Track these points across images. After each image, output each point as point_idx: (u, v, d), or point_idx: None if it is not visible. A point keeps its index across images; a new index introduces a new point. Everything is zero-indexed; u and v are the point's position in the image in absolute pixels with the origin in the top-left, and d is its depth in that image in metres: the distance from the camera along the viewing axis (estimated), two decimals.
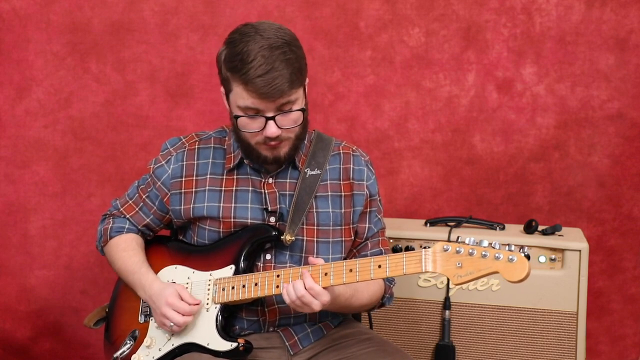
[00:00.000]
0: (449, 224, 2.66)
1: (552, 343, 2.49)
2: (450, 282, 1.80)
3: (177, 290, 1.99)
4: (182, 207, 2.09)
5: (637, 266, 2.96)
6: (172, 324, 1.96)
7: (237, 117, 1.94)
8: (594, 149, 2.91)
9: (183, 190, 2.09)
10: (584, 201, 2.94)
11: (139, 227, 2.19)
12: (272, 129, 1.92)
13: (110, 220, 2.20)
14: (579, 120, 2.91)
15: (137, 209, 2.18)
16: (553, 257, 2.50)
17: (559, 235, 2.56)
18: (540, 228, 2.59)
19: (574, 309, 2.48)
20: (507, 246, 1.74)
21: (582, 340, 2.49)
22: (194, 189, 2.08)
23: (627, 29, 2.85)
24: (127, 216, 2.19)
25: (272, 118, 1.91)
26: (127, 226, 2.18)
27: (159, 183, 2.13)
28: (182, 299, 1.98)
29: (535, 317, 2.50)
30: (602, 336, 2.99)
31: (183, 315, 1.96)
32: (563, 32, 2.88)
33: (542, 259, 2.51)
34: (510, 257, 1.72)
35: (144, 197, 2.17)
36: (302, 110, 1.97)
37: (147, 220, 2.18)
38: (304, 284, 1.84)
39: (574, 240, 2.52)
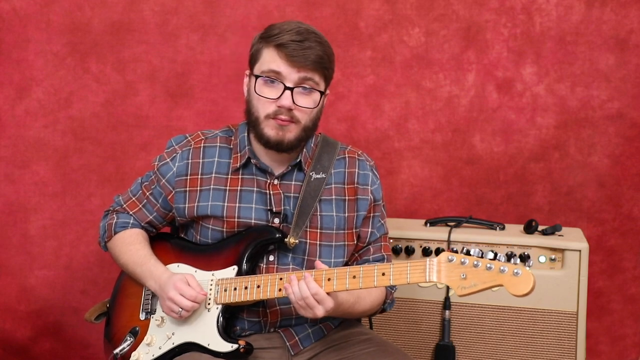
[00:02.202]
0: (449, 224, 2.66)
1: (552, 343, 2.50)
2: (455, 294, 1.80)
3: (185, 277, 2.00)
4: (187, 205, 2.09)
5: (637, 266, 2.96)
6: (180, 309, 1.96)
7: (257, 76, 1.97)
8: (594, 149, 2.91)
9: (188, 189, 2.09)
10: (584, 201, 2.94)
11: (142, 224, 2.19)
12: (287, 99, 1.94)
13: (114, 215, 2.20)
14: (579, 120, 2.91)
15: (140, 206, 2.18)
16: (553, 257, 2.50)
17: (559, 235, 2.57)
18: (540, 228, 2.59)
19: (574, 309, 2.48)
20: (512, 259, 1.75)
21: (582, 340, 2.49)
22: (198, 188, 2.08)
23: (627, 29, 2.85)
24: (131, 212, 2.19)
25: (291, 89, 1.94)
26: (131, 221, 2.18)
27: (163, 180, 2.12)
28: (189, 285, 1.98)
29: (535, 317, 2.50)
30: (602, 336, 2.99)
31: (189, 300, 1.95)
32: (563, 32, 2.88)
33: (542, 259, 2.51)
34: (516, 270, 1.71)
35: (147, 194, 2.17)
36: (322, 92, 2.00)
37: (151, 217, 2.18)
38: (308, 289, 1.84)
39: (574, 240, 2.53)
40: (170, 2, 2.94)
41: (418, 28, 2.93)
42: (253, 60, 2.02)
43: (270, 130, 1.99)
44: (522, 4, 2.88)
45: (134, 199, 2.20)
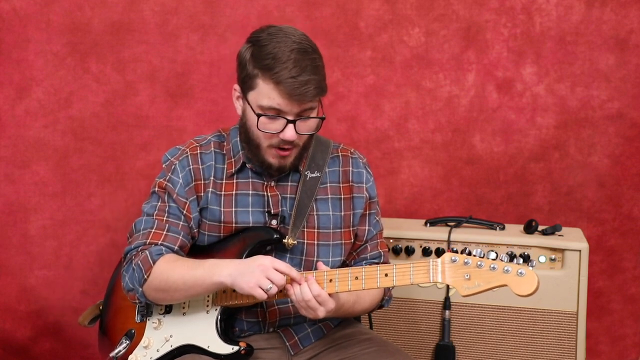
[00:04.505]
0: (449, 224, 2.66)
1: (552, 343, 2.50)
2: (459, 294, 1.80)
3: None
4: (200, 211, 2.06)
5: (637, 266, 2.96)
6: (270, 286, 1.82)
7: (259, 115, 1.92)
8: (594, 149, 2.91)
9: (196, 194, 2.06)
10: (584, 201, 2.94)
11: (174, 250, 2.02)
12: (290, 133, 1.92)
13: (142, 253, 1.99)
14: (579, 120, 2.91)
15: (165, 232, 2.02)
16: (553, 257, 2.51)
17: (559, 235, 2.57)
18: (540, 228, 2.60)
19: (574, 309, 2.48)
20: (514, 260, 1.75)
21: (582, 340, 2.49)
22: (203, 193, 2.07)
23: (627, 29, 2.85)
24: (159, 242, 2.01)
25: (293, 122, 1.91)
26: (164, 249, 2.00)
27: (175, 194, 2.05)
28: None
29: (535, 317, 2.51)
30: (602, 336, 2.99)
31: (285, 270, 1.85)
32: (563, 32, 2.87)
33: (542, 259, 2.51)
34: (520, 270, 1.72)
35: (165, 218, 2.04)
36: (322, 118, 1.98)
37: (180, 238, 2.03)
38: (310, 291, 1.84)
39: (574, 240, 2.53)
40: (170, 2, 2.94)
41: (418, 28, 2.93)
42: (245, 84, 1.95)
43: (271, 158, 1.99)
44: (522, 4, 2.87)
45: (154, 230, 2.02)
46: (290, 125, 1.92)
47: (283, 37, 1.91)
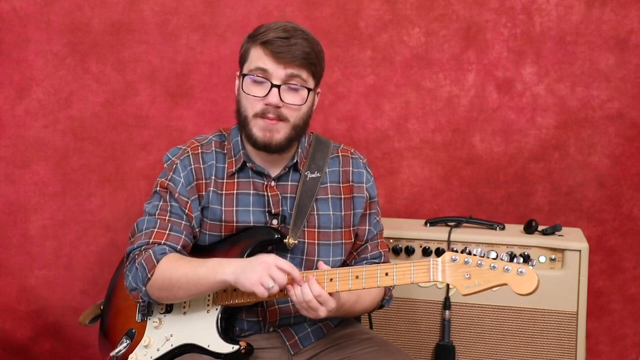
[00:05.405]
0: (449, 224, 2.67)
1: (552, 343, 2.50)
2: (459, 293, 1.80)
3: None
4: (201, 211, 2.06)
5: (637, 266, 2.96)
6: (272, 284, 1.82)
7: (245, 75, 1.97)
8: (594, 149, 2.91)
9: (198, 194, 2.06)
10: (584, 201, 2.94)
11: (177, 249, 2.02)
12: (274, 97, 1.94)
13: (145, 252, 1.99)
14: (579, 120, 2.91)
15: (167, 232, 2.01)
16: (553, 257, 2.51)
17: (559, 235, 2.57)
18: (540, 228, 2.60)
19: (574, 309, 2.48)
20: (514, 259, 1.75)
21: (582, 340, 2.49)
22: (204, 192, 2.07)
23: (627, 29, 2.85)
24: (162, 242, 2.00)
25: (278, 87, 1.94)
26: (167, 249, 1.99)
27: (177, 193, 2.05)
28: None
29: (535, 317, 2.51)
30: (602, 336, 2.99)
31: (287, 269, 1.85)
32: (563, 32, 2.88)
33: (542, 259, 2.51)
34: (520, 269, 1.72)
35: (167, 217, 2.04)
36: (309, 89, 1.99)
37: (182, 237, 2.02)
38: (311, 291, 1.84)
39: (574, 240, 2.53)
40: (170, 2, 2.94)
41: (418, 28, 2.93)
42: (242, 60, 2.03)
43: (258, 131, 1.98)
44: (522, 4, 2.88)
45: (156, 230, 2.02)
46: (275, 90, 1.94)
47: (282, 22, 2.00)
